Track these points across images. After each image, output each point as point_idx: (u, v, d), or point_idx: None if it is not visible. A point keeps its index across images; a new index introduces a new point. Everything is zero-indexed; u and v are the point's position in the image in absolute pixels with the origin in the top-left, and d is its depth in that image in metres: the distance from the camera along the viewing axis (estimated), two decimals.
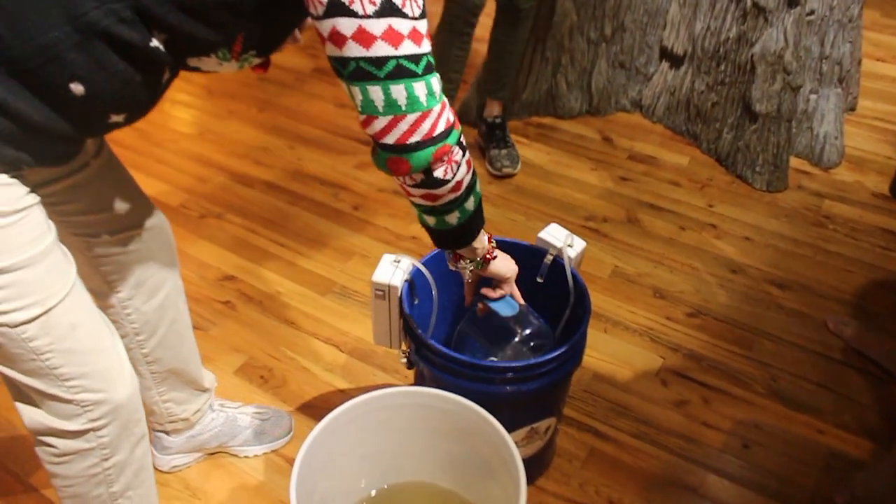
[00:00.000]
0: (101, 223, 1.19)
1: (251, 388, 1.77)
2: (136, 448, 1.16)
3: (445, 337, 1.61)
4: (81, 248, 1.20)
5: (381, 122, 0.93)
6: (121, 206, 1.21)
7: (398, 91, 0.90)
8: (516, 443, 1.19)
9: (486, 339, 1.42)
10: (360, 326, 1.92)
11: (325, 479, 1.24)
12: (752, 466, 1.62)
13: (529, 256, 1.48)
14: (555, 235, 1.46)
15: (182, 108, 2.87)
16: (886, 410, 1.74)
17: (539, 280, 1.49)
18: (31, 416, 1.06)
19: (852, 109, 2.78)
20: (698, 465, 1.62)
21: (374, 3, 0.86)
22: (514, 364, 1.28)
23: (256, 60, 1.03)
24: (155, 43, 0.91)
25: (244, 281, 2.06)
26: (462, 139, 1.03)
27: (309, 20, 0.97)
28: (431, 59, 0.93)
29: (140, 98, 0.99)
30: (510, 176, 2.46)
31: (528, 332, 1.40)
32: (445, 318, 1.58)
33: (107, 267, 1.24)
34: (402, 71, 0.89)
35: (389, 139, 0.94)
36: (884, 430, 1.70)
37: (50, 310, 0.97)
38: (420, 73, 0.91)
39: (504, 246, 1.51)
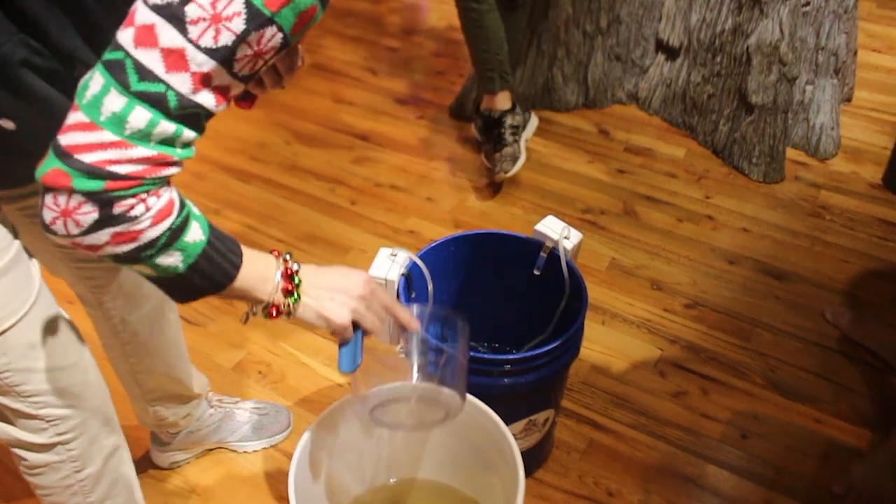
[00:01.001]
0: None
1: (249, 383, 1.77)
2: (109, 460, 1.14)
3: None
4: (64, 258, 1.18)
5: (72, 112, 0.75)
6: None
7: (97, 80, 0.73)
8: (514, 435, 1.19)
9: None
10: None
11: (323, 474, 1.25)
12: (751, 457, 1.62)
13: (526, 249, 1.49)
14: (551, 227, 1.46)
15: None
16: (883, 399, 1.74)
17: (536, 272, 1.49)
18: (1, 428, 1.04)
19: (848, 100, 2.78)
20: (697, 456, 1.62)
21: None
22: (511, 356, 1.28)
23: None
24: (79, 74, 0.84)
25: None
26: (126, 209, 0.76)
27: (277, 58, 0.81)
28: (171, 104, 0.73)
29: None
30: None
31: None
32: None
33: (91, 278, 1.22)
34: (117, 68, 0.72)
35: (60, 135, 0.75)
36: (881, 419, 1.70)
37: (4, 331, 0.94)
38: (132, 89, 0.72)
39: (500, 238, 1.52)
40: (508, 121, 2.37)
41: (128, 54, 0.72)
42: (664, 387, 1.77)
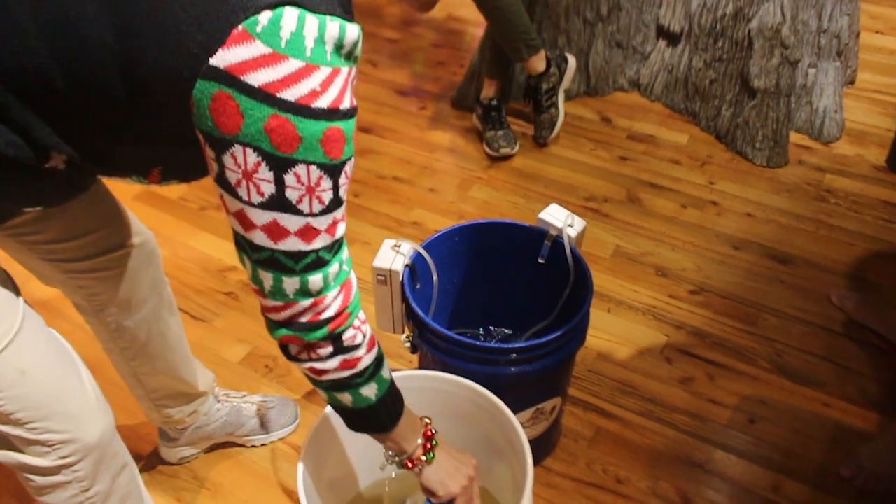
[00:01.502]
0: (73, 250, 1.15)
1: (256, 377, 1.77)
2: (118, 478, 1.12)
3: (447, 320, 1.61)
4: (55, 269, 1.17)
5: (262, 298, 0.92)
6: (95, 232, 1.17)
7: (265, 276, 0.88)
8: (522, 424, 1.19)
9: None
10: (363, 313, 1.92)
11: (331, 466, 1.25)
12: (759, 441, 1.62)
13: (530, 237, 1.48)
14: (555, 216, 1.46)
15: None
16: (891, 382, 1.74)
17: (541, 261, 1.49)
18: (5, 453, 1.02)
19: (851, 83, 2.77)
20: (705, 442, 1.62)
21: (261, 195, 0.81)
22: (517, 345, 1.28)
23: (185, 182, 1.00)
24: (53, 164, 0.87)
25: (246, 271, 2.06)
26: (346, 342, 0.94)
27: None
28: (325, 256, 0.88)
29: (55, 195, 0.97)
30: (509, 156, 2.46)
31: None
32: (447, 302, 1.58)
33: (84, 287, 1.21)
34: (274, 262, 0.86)
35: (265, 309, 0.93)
36: (889, 401, 1.70)
37: None
38: (297, 269, 0.87)
39: (503, 228, 1.52)
40: (544, 86, 2.44)
41: (274, 251, 0.85)
42: (671, 373, 1.77)
